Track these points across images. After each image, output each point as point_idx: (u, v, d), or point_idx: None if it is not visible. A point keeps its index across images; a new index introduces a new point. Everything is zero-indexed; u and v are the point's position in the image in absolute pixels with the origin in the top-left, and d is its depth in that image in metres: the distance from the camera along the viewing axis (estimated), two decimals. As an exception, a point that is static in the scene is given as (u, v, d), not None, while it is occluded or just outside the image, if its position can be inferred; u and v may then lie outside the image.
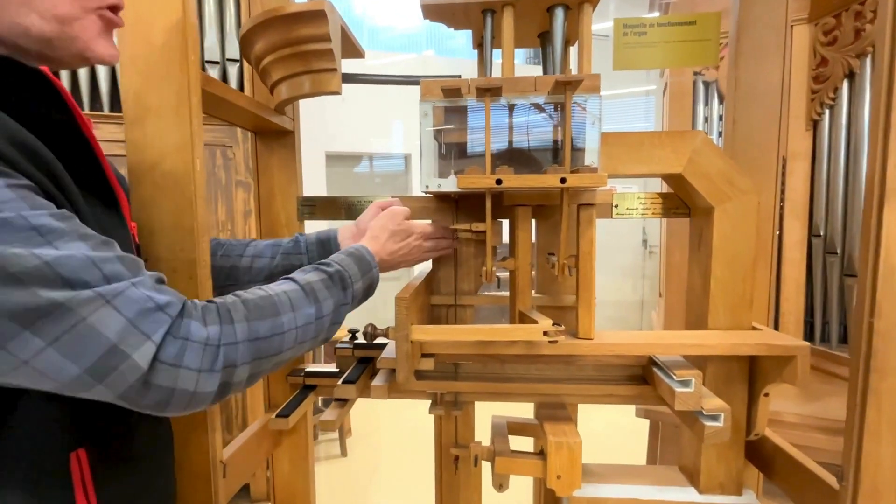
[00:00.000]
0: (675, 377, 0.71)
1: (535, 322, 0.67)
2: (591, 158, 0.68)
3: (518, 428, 0.93)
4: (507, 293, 0.96)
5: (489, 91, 0.64)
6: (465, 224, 0.77)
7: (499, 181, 0.60)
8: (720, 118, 1.40)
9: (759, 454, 0.83)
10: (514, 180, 0.60)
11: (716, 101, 1.34)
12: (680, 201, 0.87)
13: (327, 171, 4.07)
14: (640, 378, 0.85)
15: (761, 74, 0.83)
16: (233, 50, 2.08)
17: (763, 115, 0.84)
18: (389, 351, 0.77)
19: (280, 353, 0.51)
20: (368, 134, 4.09)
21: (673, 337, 0.75)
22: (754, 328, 0.79)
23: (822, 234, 1.27)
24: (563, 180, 0.59)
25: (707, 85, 1.37)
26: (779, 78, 0.83)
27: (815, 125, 1.26)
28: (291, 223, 0.93)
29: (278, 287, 0.54)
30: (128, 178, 0.61)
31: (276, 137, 0.92)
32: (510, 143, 0.68)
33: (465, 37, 4.79)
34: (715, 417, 0.73)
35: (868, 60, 1.12)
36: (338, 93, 0.73)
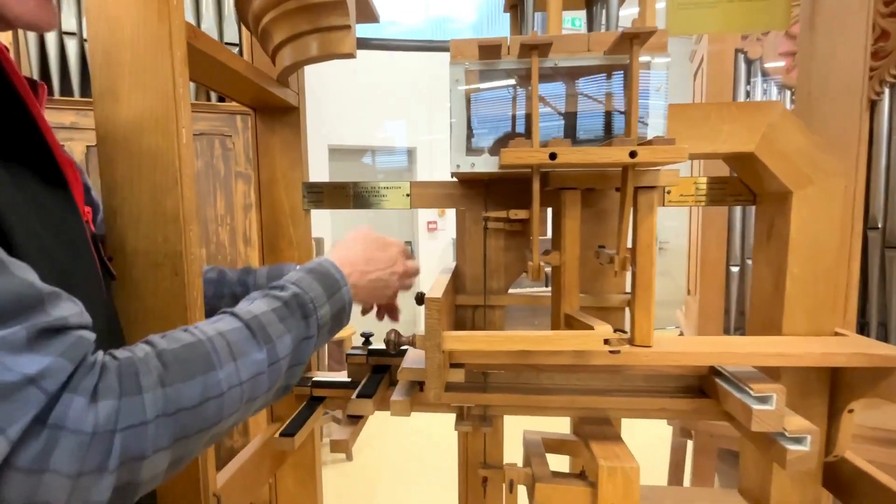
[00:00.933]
0: (752, 392, 0.60)
1: (589, 327, 0.56)
2: (655, 132, 0.56)
3: (555, 445, 0.82)
4: (540, 291, 0.85)
5: (537, 48, 0.53)
6: (501, 212, 0.65)
7: (553, 155, 0.49)
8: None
9: (837, 478, 0.72)
10: (572, 155, 0.49)
11: (759, 80, 1.22)
12: (744, 187, 0.76)
13: (330, 166, 3.96)
14: (696, 389, 0.74)
15: (842, 41, 0.72)
16: (231, 33, 1.97)
17: (843, 86, 0.72)
18: (412, 360, 0.66)
19: (218, 424, 0.37)
20: (371, 127, 3.97)
21: (747, 345, 0.64)
22: (837, 334, 0.68)
23: (880, 226, 1.16)
24: (632, 154, 0.48)
25: (750, 63, 1.25)
26: (862, 44, 0.71)
27: (872, 106, 1.14)
28: (296, 213, 0.82)
29: (212, 326, 0.40)
30: (99, 157, 0.50)
31: (279, 114, 0.80)
32: (563, 115, 0.57)
33: (469, 32, 4.65)
34: (799, 440, 0.62)
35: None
36: (352, 55, 0.61)
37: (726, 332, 1.34)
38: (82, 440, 0.29)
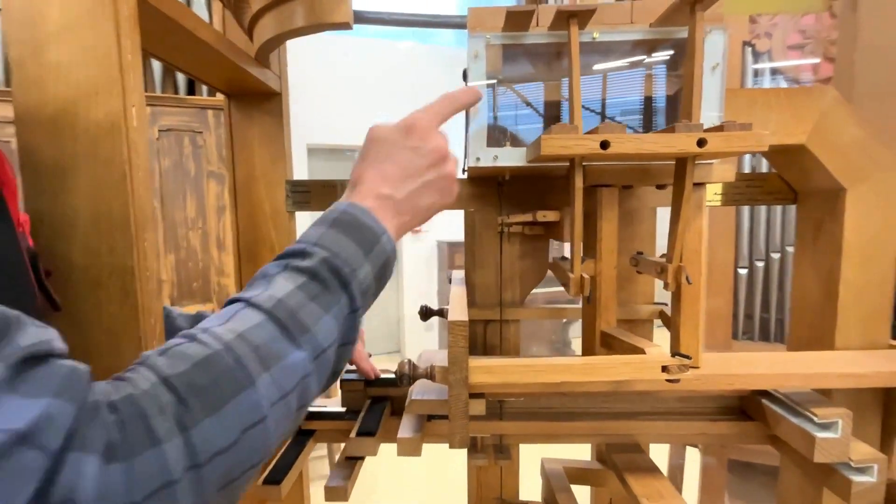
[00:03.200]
0: (815, 418, 0.53)
1: (637, 349, 0.48)
2: (710, 120, 0.48)
3: (577, 475, 0.73)
4: (557, 303, 0.76)
5: (576, 16, 0.44)
6: (526, 215, 0.56)
7: (605, 144, 0.39)
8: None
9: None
10: (628, 144, 0.40)
11: (767, 75, 1.17)
12: (783, 184, 0.69)
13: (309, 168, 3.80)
14: (736, 411, 0.66)
15: (886, 21, 0.65)
16: (198, 6, 1.81)
17: (889, 72, 0.65)
18: (421, 390, 0.56)
19: (267, 451, 0.28)
20: (352, 124, 3.83)
21: (808, 363, 0.56)
22: (892, 346, 0.61)
23: None
24: (701, 142, 0.39)
25: (757, 56, 1.20)
26: (912, 25, 0.65)
27: None
28: (279, 215, 0.70)
29: (224, 327, 0.29)
30: (18, 145, 0.38)
31: (257, 101, 0.69)
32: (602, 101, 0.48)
33: (450, 33, 4.55)
34: (864, 470, 0.54)
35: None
36: (348, 25, 0.51)
37: (734, 337, 1.29)
38: None
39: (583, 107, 0.56)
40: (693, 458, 1.43)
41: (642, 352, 0.46)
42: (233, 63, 0.56)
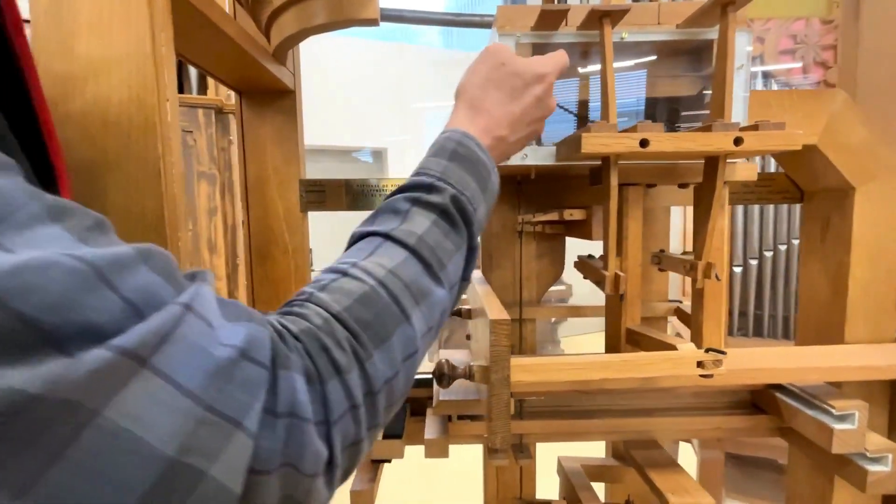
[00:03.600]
0: (833, 410, 0.54)
1: (667, 345, 0.48)
2: (736, 116, 0.49)
3: (596, 472, 0.74)
4: (548, 303, 0.76)
5: (609, 16, 0.44)
6: (552, 213, 0.56)
7: (644, 142, 0.40)
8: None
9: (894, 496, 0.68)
10: (666, 142, 0.40)
11: (760, 78, 1.21)
12: (790, 183, 0.71)
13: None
14: (748, 405, 0.68)
15: (887, 27, 0.68)
16: None
17: (891, 76, 0.68)
18: (451, 391, 0.56)
19: (413, 380, 0.31)
20: (335, 126, 3.79)
21: (824, 357, 0.58)
22: (899, 339, 0.64)
23: None
24: (737, 141, 0.40)
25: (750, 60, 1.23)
26: (910, 30, 0.68)
27: None
28: (292, 216, 0.69)
29: (374, 262, 0.29)
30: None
31: (270, 99, 0.67)
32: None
33: (435, 32, 4.56)
34: (879, 460, 0.56)
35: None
36: (375, 22, 0.50)
37: (729, 334, 1.32)
38: (318, 431, 0.23)
39: (562, 108, 0.56)
40: (685, 453, 1.45)
41: (673, 348, 0.47)
42: (252, 59, 0.55)
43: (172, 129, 0.37)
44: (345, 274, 0.28)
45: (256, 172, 0.68)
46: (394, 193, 0.34)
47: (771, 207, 1.23)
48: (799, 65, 1.22)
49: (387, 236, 0.31)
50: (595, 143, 0.40)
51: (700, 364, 0.44)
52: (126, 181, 0.36)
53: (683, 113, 0.58)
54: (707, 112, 0.47)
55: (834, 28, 1.13)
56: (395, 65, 3.92)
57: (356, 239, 0.32)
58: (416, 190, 0.33)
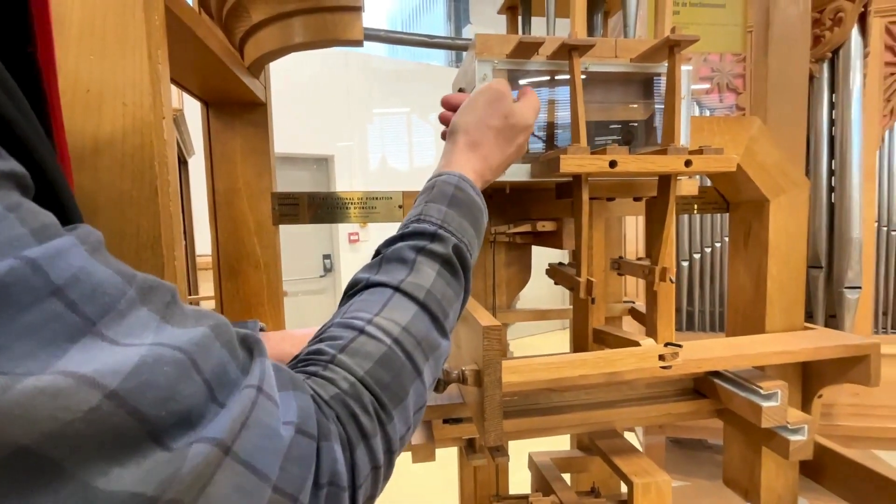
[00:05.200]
0: (761, 390, 0.63)
1: (631, 342, 0.54)
2: (683, 139, 0.57)
3: (564, 464, 0.79)
4: (539, 307, 0.82)
5: (577, 49, 0.50)
6: (526, 225, 0.60)
7: (613, 163, 0.45)
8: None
9: (810, 459, 0.80)
10: (631, 163, 0.46)
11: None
12: (718, 196, 0.81)
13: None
14: (692, 391, 0.77)
15: (791, 63, 0.81)
16: None
17: (793, 105, 0.81)
18: (435, 397, 0.58)
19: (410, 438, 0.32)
20: (280, 133, 3.66)
21: (752, 345, 0.67)
22: (807, 328, 0.75)
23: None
24: (688, 163, 0.47)
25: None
26: (807, 66, 0.81)
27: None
28: (264, 229, 0.68)
29: (388, 320, 0.29)
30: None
31: (240, 111, 0.66)
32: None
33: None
34: (797, 430, 0.66)
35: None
36: (360, 42, 0.52)
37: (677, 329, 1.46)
38: (348, 495, 0.24)
39: (534, 135, 0.62)
40: (630, 440, 1.57)
41: (637, 344, 0.53)
42: (227, 72, 0.54)
43: (169, 146, 0.37)
44: (361, 332, 0.28)
45: (226, 185, 0.67)
46: (396, 239, 0.35)
47: (686, 219, 1.39)
48: (715, 90, 1.40)
49: (397, 289, 0.31)
50: (571, 163, 0.45)
51: (661, 357, 0.51)
52: (120, 199, 0.35)
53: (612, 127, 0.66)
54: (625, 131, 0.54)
55: (743, 60, 1.31)
56: (340, 72, 3.87)
57: (363, 286, 0.32)
58: (421, 238, 0.34)
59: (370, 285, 0.32)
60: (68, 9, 0.33)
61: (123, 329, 0.17)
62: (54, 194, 0.20)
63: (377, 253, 0.35)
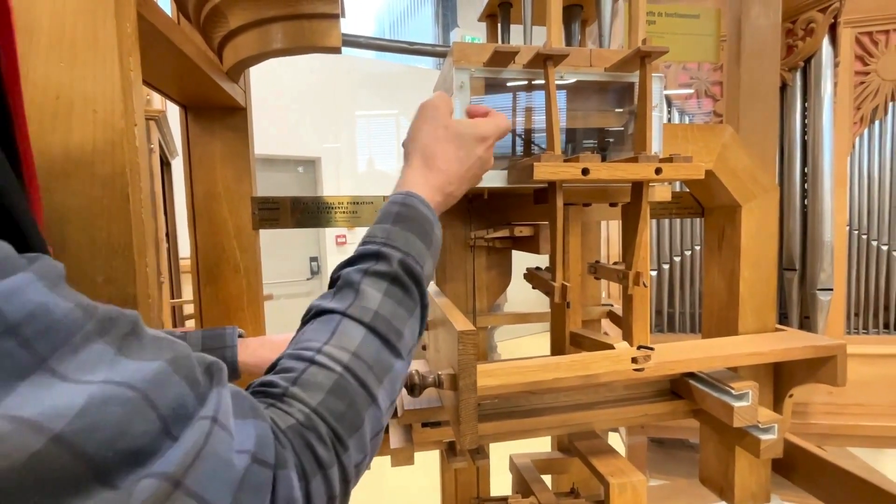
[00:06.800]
0: (733, 391, 0.65)
1: (605, 345, 0.55)
2: (655, 146, 0.58)
3: (544, 466, 0.80)
4: (520, 311, 0.83)
5: (552, 59, 0.51)
6: (504, 230, 0.61)
7: (585, 171, 0.46)
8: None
9: (781, 457, 0.82)
10: (603, 171, 0.47)
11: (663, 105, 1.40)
12: (693, 201, 0.83)
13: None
14: (668, 392, 0.79)
15: (762, 73, 0.83)
16: None
17: (764, 113, 0.84)
18: (415, 399, 0.58)
19: (368, 464, 0.32)
20: (266, 135, 3.64)
21: (723, 347, 0.69)
22: (779, 329, 0.78)
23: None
24: (658, 171, 0.48)
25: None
26: (778, 76, 0.84)
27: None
28: (244, 234, 0.68)
29: (335, 347, 0.30)
30: None
31: (220, 115, 0.66)
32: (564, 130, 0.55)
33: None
34: (768, 430, 0.68)
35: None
36: (338, 50, 0.52)
37: (659, 330, 1.49)
38: None
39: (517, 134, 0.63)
40: (614, 440, 1.60)
41: (611, 347, 0.54)
42: (205, 77, 0.54)
43: (141, 153, 0.37)
44: (312, 362, 0.29)
45: (205, 189, 0.66)
46: (345, 264, 0.36)
47: (666, 223, 1.42)
48: (693, 96, 1.43)
49: (344, 314, 0.31)
50: (545, 171, 0.46)
51: (634, 360, 0.52)
52: (91, 206, 0.35)
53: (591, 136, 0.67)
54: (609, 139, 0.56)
55: (720, 68, 1.35)
56: (327, 74, 3.86)
57: (314, 314, 0.33)
58: (365, 260, 0.35)
59: (320, 312, 0.33)
60: (37, 16, 0.33)
61: (75, 364, 0.17)
62: (13, 221, 0.20)
63: (333, 280, 0.36)
